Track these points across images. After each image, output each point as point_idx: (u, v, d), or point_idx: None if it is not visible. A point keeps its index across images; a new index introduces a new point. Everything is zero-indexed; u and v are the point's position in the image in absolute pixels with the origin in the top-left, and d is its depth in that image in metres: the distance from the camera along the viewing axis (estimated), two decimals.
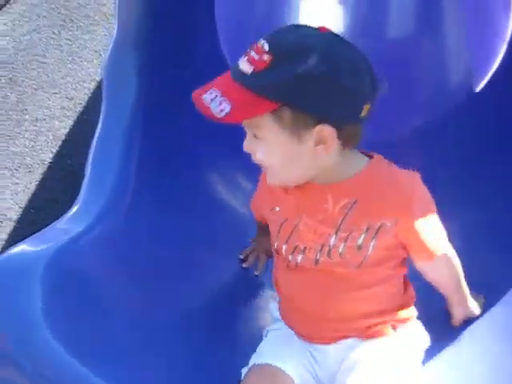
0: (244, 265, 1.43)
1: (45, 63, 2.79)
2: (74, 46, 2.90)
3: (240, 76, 1.01)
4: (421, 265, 1.18)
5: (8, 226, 2.11)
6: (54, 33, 2.96)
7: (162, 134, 1.51)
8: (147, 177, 1.53)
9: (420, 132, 1.82)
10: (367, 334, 1.14)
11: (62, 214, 2.06)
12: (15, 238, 2.07)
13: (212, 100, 1.01)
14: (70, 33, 2.98)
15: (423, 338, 1.22)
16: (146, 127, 1.57)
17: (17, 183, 2.28)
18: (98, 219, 1.40)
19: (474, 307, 1.28)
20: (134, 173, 1.50)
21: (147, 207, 1.49)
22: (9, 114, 2.53)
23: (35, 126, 2.47)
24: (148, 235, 1.45)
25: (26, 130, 2.45)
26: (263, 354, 1.18)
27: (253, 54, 1.00)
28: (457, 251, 1.25)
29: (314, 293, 1.15)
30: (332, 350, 1.15)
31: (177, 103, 1.61)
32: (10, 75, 2.70)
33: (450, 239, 1.23)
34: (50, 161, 2.37)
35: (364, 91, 1.03)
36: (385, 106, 1.72)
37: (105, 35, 2.96)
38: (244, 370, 1.18)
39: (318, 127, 1.02)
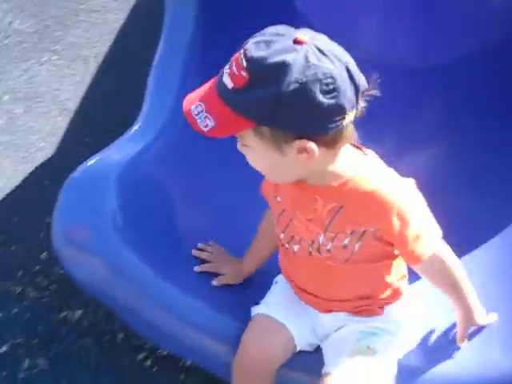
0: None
1: None
2: None
3: (223, 89, 1.04)
4: (410, 265, 1.23)
5: (67, 116, 2.24)
6: None
7: (220, 57, 1.60)
8: None
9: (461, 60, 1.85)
10: (356, 312, 1.26)
11: (116, 108, 2.23)
12: (72, 129, 2.21)
13: (197, 115, 1.04)
14: None
15: (412, 314, 1.28)
16: (205, 48, 1.65)
17: (74, 74, 2.38)
18: (160, 134, 1.52)
19: (480, 314, 1.26)
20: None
21: None
22: (67, 1, 2.58)
23: (90, 17, 2.54)
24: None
25: (82, 21, 2.52)
26: (271, 306, 1.29)
27: (234, 68, 1.03)
28: None
29: (308, 277, 1.25)
30: (327, 318, 1.28)
31: (235, 27, 1.67)
32: None
33: None
34: (104, 54, 2.46)
35: (342, 104, 1.03)
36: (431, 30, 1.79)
37: None
38: (253, 309, 1.30)
39: (297, 142, 1.04)
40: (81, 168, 1.37)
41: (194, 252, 1.37)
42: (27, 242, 1.86)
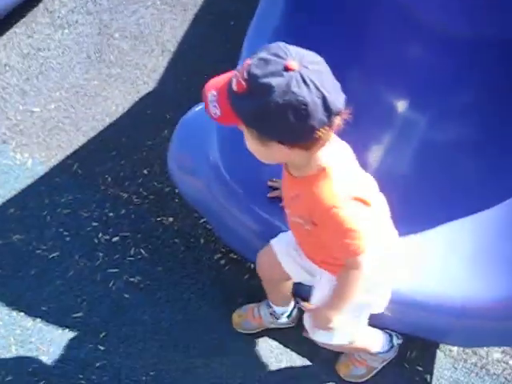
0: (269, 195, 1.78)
1: None
2: None
3: (230, 89, 1.25)
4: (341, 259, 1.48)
5: (166, 57, 2.67)
6: None
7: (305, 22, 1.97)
8: None
9: None
10: (326, 269, 1.58)
11: (209, 52, 2.62)
12: (171, 67, 2.63)
13: (211, 102, 1.28)
14: None
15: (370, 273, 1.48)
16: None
17: (174, 19, 2.79)
18: None
19: (328, 318, 1.49)
20: None
21: None
22: None
23: None
24: None
25: None
26: (279, 241, 1.69)
27: (240, 75, 1.23)
28: None
29: (295, 235, 1.60)
30: (310, 263, 1.63)
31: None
32: None
33: None
34: (201, 3, 2.85)
35: (312, 125, 1.23)
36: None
37: None
38: (271, 240, 1.70)
39: (277, 144, 1.28)
40: (191, 112, 1.81)
41: (269, 183, 1.80)
42: (133, 159, 2.34)
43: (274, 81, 1.19)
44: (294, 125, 1.22)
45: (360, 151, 1.53)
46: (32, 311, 1.93)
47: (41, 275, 2.01)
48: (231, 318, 1.94)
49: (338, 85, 1.27)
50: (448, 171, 2.00)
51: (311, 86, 1.21)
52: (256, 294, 1.94)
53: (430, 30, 2.29)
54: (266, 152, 1.32)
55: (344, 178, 1.37)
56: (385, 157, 2.05)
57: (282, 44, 1.24)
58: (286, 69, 1.20)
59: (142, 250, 2.07)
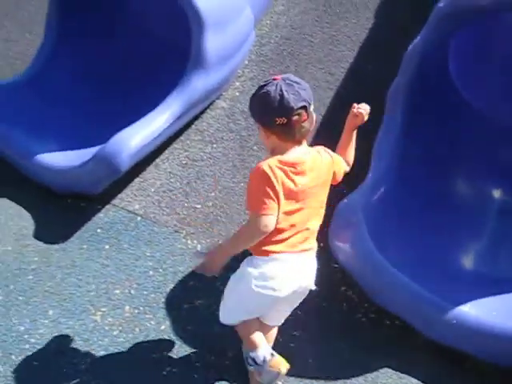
0: None
1: (312, 42, 3.90)
2: (332, 29, 3.97)
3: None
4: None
5: None
6: (317, 16, 4.04)
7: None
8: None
9: None
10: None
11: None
12: None
13: None
14: (329, 17, 4.04)
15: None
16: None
17: None
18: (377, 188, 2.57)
19: (215, 259, 2.12)
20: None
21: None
22: None
23: None
24: None
25: None
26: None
27: None
28: None
29: None
30: None
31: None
32: (290, 49, 3.83)
33: None
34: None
35: (271, 112, 1.96)
36: None
37: (354, 23, 4.00)
38: None
39: (261, 127, 2.04)
40: (344, 202, 2.44)
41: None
42: None
43: (265, 86, 2.01)
44: (261, 109, 1.99)
45: None
46: None
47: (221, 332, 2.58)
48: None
49: (302, 96, 1.94)
50: None
51: (278, 87, 1.96)
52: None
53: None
54: (261, 138, 2.07)
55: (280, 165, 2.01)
56: None
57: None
58: (273, 79, 2.00)
59: (299, 311, 2.61)
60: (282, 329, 2.56)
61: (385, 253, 2.32)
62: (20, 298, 2.71)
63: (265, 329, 2.23)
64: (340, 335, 2.57)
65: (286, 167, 1.99)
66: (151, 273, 2.82)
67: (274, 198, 1.95)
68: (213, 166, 3.31)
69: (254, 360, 2.13)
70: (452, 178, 2.78)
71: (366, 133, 3.17)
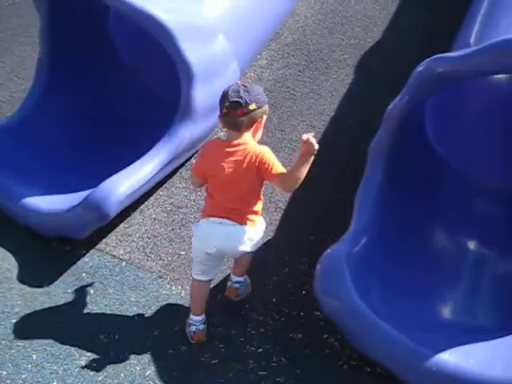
0: None
1: (294, 95, 4.05)
2: (313, 84, 4.13)
3: None
4: None
5: (279, 213, 3.42)
6: (299, 70, 4.21)
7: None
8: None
9: None
10: None
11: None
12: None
13: None
14: (311, 72, 4.21)
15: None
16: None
17: None
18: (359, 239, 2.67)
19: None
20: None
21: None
22: (272, 132, 3.81)
23: (291, 144, 3.75)
24: None
25: (285, 147, 3.74)
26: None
27: None
28: None
29: None
30: None
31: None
32: (272, 101, 3.97)
33: None
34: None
35: (220, 103, 2.47)
36: None
37: (335, 78, 4.17)
38: None
39: None
40: (327, 252, 2.53)
41: None
42: (264, 290, 3.01)
43: (229, 87, 2.49)
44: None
45: None
46: None
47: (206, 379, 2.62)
48: None
49: (241, 95, 2.41)
50: None
51: (232, 88, 2.45)
52: None
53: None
54: None
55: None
56: None
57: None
58: (237, 84, 2.48)
59: (282, 358, 2.68)
60: (266, 375, 2.61)
61: (368, 302, 2.40)
62: (3, 342, 2.72)
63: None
64: (322, 382, 2.61)
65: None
66: (136, 318, 2.85)
67: None
68: (197, 212, 3.37)
69: (189, 323, 2.74)
70: (430, 230, 2.90)
71: (346, 184, 3.34)
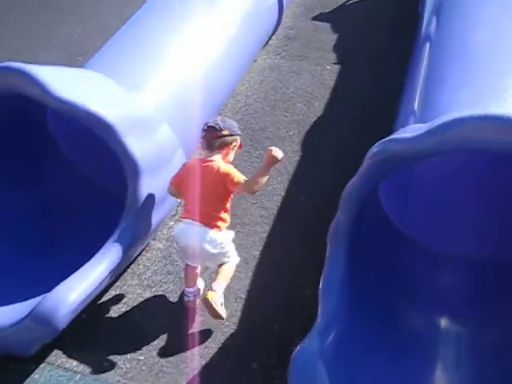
0: None
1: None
2: (261, 163, 4.04)
3: None
4: None
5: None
6: (246, 151, 4.15)
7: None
8: None
9: None
10: None
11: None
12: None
13: None
14: (258, 152, 4.16)
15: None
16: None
17: None
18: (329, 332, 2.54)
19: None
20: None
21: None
22: None
23: (244, 229, 3.64)
24: None
25: (238, 232, 3.61)
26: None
27: None
28: None
29: None
30: None
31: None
32: None
33: None
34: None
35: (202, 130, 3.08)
36: None
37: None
38: None
39: None
40: (299, 351, 2.38)
41: None
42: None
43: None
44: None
45: None
46: None
47: None
48: None
49: (217, 122, 3.05)
50: None
51: (213, 119, 3.10)
52: None
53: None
54: None
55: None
56: None
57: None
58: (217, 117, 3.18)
59: None
60: None
61: None
62: None
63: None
64: None
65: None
66: None
67: None
68: (151, 311, 3.19)
69: (184, 293, 3.20)
70: (402, 311, 2.80)
71: (310, 272, 3.23)
